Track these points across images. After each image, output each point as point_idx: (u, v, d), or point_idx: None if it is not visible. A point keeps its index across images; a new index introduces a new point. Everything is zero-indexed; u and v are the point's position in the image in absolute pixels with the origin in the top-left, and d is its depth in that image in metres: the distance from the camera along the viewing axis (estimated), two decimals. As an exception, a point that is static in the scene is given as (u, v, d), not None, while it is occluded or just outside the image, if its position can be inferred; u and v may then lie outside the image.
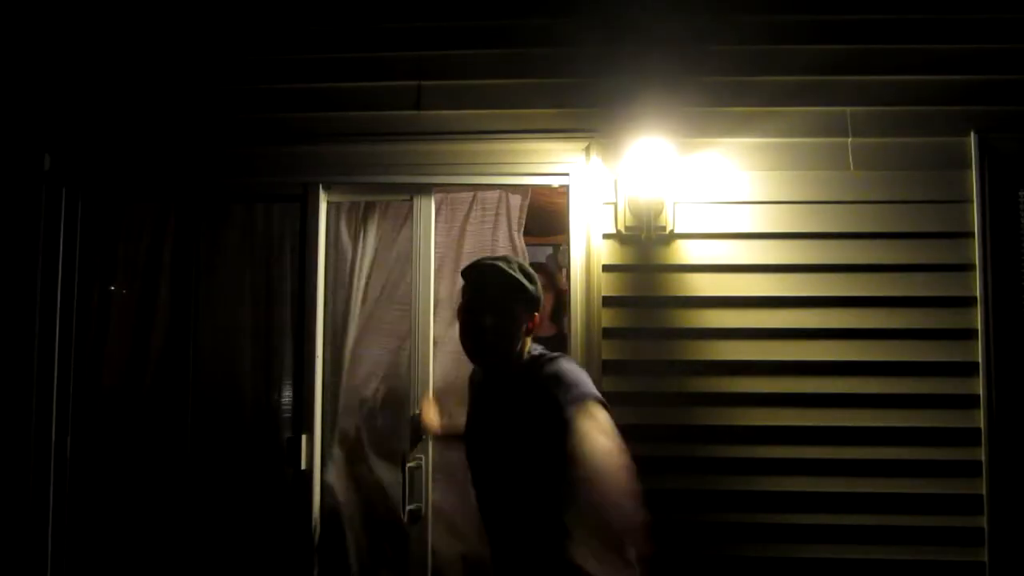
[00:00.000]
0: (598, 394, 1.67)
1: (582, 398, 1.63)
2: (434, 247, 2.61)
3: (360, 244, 2.88)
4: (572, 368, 1.75)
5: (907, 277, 2.40)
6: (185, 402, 2.57)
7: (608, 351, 2.42)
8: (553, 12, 2.55)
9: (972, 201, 2.40)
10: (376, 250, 2.89)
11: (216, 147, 2.57)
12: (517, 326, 1.79)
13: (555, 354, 1.81)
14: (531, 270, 1.85)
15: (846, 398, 2.37)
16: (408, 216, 2.72)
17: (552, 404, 1.63)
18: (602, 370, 2.39)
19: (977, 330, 2.36)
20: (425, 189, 2.60)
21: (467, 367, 2.04)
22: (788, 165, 2.46)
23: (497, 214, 3.12)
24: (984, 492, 2.30)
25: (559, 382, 1.68)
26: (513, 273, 1.80)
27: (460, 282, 1.91)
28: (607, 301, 2.43)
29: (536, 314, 1.83)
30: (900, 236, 2.41)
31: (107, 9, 2.61)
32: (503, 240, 3.19)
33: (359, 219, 2.89)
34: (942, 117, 2.44)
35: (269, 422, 2.70)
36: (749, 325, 2.41)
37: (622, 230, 2.46)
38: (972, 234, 2.39)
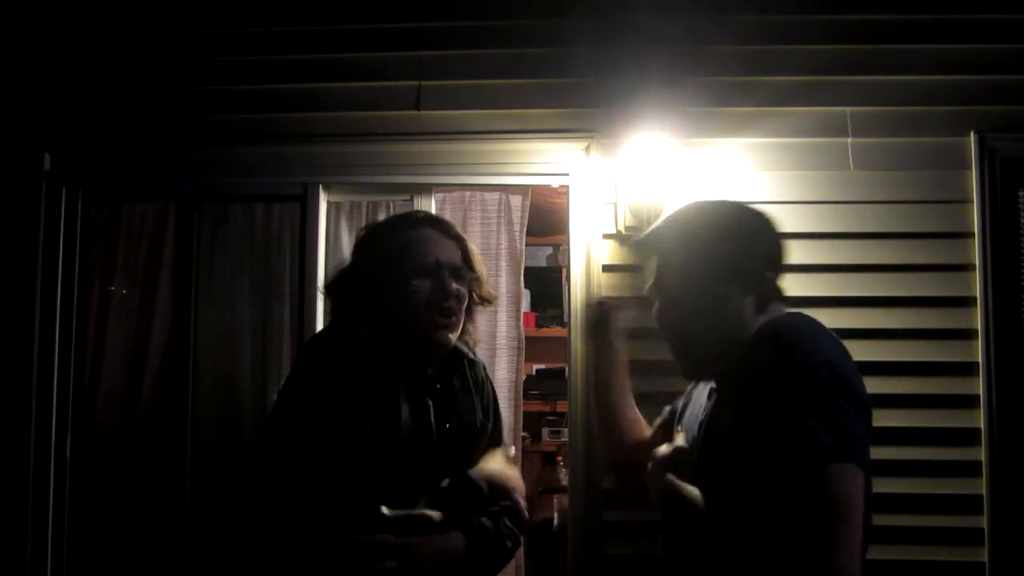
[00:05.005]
0: None
1: None
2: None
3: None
4: None
5: (907, 277, 2.40)
6: (185, 401, 2.57)
7: (608, 351, 2.41)
8: (553, 12, 2.54)
9: (972, 201, 2.39)
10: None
11: (216, 147, 2.56)
12: None
13: None
14: None
15: (846, 398, 2.36)
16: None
17: None
18: (602, 370, 2.39)
19: (977, 330, 2.36)
20: (425, 189, 2.60)
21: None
22: (788, 165, 2.46)
23: (498, 215, 3.13)
24: (984, 492, 2.30)
25: None
26: None
27: None
28: (607, 301, 2.43)
29: None
30: (900, 236, 2.40)
31: (107, 9, 2.61)
32: (505, 240, 3.20)
33: (359, 219, 2.90)
34: (942, 117, 2.44)
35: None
36: (749, 325, 2.40)
37: (622, 230, 2.46)
38: (972, 234, 2.38)
